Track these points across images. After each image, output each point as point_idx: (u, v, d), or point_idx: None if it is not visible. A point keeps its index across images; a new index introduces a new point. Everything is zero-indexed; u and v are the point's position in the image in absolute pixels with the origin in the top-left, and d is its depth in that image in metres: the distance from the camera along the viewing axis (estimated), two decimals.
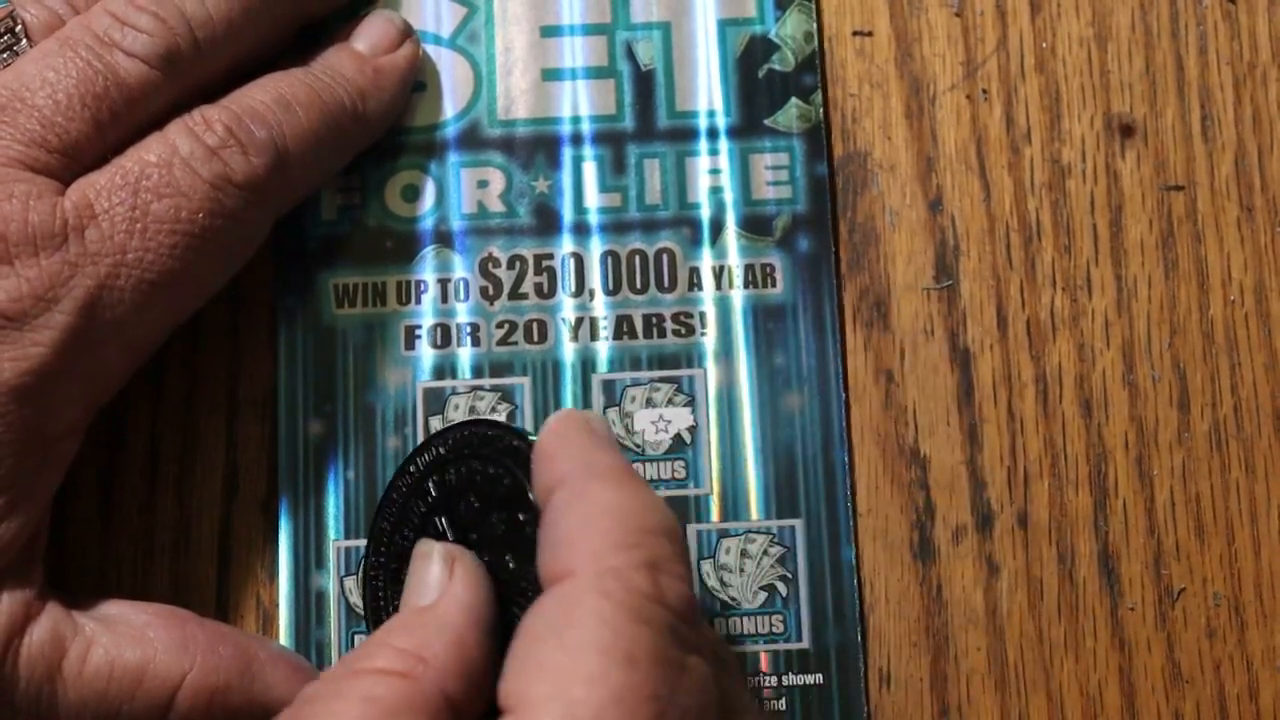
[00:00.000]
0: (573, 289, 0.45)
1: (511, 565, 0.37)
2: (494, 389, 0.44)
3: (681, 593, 0.34)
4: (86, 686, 0.38)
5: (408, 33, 0.45)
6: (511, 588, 0.37)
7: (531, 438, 0.37)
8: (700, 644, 0.34)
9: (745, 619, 0.43)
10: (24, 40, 0.40)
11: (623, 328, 0.44)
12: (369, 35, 0.44)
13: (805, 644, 0.43)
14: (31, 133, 0.38)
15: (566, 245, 0.45)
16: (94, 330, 0.38)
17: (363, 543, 0.43)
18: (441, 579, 0.36)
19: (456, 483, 0.39)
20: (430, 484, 0.39)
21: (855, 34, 0.46)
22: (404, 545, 0.39)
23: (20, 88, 0.38)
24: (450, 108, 0.45)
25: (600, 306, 0.44)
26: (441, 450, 0.39)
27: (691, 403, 0.44)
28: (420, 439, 0.43)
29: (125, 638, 0.39)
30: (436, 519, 0.39)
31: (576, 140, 0.45)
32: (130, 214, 0.38)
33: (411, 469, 0.40)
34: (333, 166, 0.43)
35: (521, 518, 0.37)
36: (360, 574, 0.41)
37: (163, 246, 0.38)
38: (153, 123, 0.40)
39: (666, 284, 0.45)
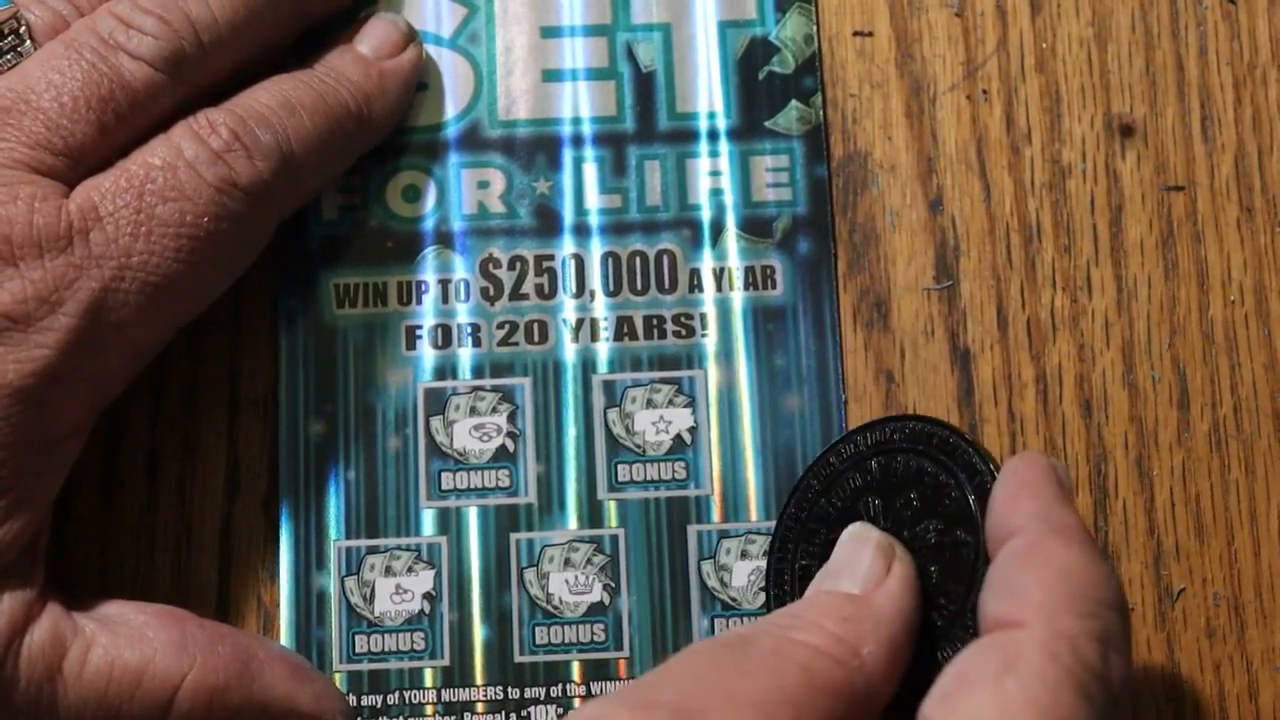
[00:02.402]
0: (573, 290, 0.45)
1: (935, 578, 0.36)
2: (494, 389, 0.44)
3: (1125, 674, 0.33)
4: (86, 687, 0.38)
5: (411, 36, 0.45)
6: (929, 600, 0.36)
7: (993, 465, 0.36)
8: None
9: (746, 619, 0.43)
10: (28, 42, 0.40)
11: (623, 329, 0.44)
12: (373, 38, 0.44)
13: None
14: (36, 135, 0.38)
15: (567, 246, 0.45)
16: (98, 333, 0.38)
17: (363, 543, 0.43)
18: (875, 571, 0.36)
19: (903, 473, 0.38)
20: (874, 463, 0.38)
21: (855, 34, 0.46)
22: (826, 510, 0.39)
23: (25, 90, 0.38)
24: (451, 108, 0.45)
25: (601, 307, 0.44)
26: (896, 436, 0.38)
27: (692, 404, 0.44)
28: (421, 439, 0.44)
29: (125, 638, 0.39)
30: (870, 500, 0.38)
31: (577, 141, 0.45)
32: (135, 217, 0.38)
33: (859, 439, 0.39)
34: (336, 169, 0.43)
35: (960, 536, 0.36)
36: (776, 522, 0.40)
37: (167, 250, 0.38)
38: (157, 125, 0.40)
39: (667, 285, 0.45)
